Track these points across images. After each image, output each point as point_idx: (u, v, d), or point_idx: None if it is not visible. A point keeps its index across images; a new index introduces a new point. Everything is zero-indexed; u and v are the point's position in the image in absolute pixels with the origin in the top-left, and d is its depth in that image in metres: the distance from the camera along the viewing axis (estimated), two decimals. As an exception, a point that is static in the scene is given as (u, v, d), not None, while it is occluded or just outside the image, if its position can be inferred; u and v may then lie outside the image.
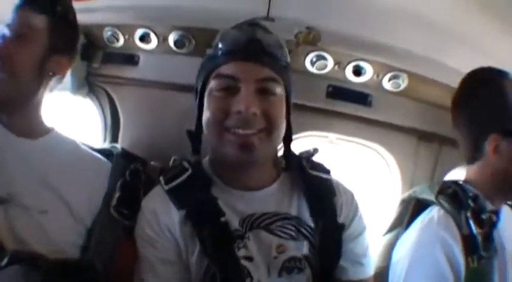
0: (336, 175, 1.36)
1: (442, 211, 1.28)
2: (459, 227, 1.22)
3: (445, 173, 1.90)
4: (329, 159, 1.44)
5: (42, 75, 1.26)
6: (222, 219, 1.15)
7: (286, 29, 1.58)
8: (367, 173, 2.00)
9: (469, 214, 1.23)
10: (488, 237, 1.22)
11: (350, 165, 1.96)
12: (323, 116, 1.82)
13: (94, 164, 1.35)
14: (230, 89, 1.11)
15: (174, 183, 1.20)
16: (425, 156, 1.91)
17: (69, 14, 1.31)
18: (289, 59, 1.22)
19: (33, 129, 1.27)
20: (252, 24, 1.20)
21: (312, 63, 1.72)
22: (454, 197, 1.28)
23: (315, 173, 1.30)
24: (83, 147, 1.39)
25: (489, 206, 1.27)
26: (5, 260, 1.05)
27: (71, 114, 1.86)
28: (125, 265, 1.23)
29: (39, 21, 1.23)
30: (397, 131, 1.85)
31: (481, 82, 1.39)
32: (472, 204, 1.24)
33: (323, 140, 1.89)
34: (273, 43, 1.15)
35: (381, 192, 1.98)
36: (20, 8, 1.23)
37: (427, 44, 1.75)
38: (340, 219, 1.27)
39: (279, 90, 1.15)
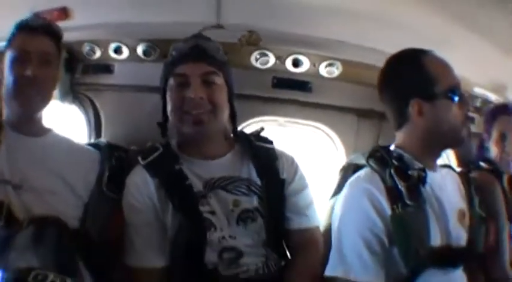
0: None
1: (368, 169, 1.43)
2: (384, 181, 1.35)
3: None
4: (280, 139, 1.77)
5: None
6: (187, 182, 1.49)
7: (232, 33, 1.95)
8: (314, 150, 2.34)
9: (392, 171, 1.36)
10: (415, 190, 1.34)
11: (299, 143, 2.31)
12: (271, 103, 2.19)
13: (86, 154, 1.65)
14: (183, 84, 1.48)
15: (149, 159, 1.53)
16: (366, 131, 2.21)
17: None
18: (226, 58, 1.58)
19: (38, 129, 1.56)
20: (195, 36, 1.57)
21: (256, 60, 2.09)
22: (381, 158, 1.42)
23: (260, 144, 1.65)
24: (76, 142, 1.72)
25: (417, 165, 1.40)
26: (26, 222, 1.35)
27: (60, 119, 2.12)
28: (117, 232, 1.52)
29: (54, 46, 1.52)
30: (337, 111, 2.19)
31: (402, 58, 1.50)
32: (396, 162, 1.38)
33: (273, 123, 2.25)
34: (211, 47, 1.53)
35: (327, 166, 2.30)
36: (30, 34, 1.48)
37: (355, 33, 2.06)
38: (283, 177, 1.60)
39: (219, 81, 1.52)
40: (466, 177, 1.65)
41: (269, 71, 2.14)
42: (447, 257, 1.37)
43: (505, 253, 1.88)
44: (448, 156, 2.85)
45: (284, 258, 1.61)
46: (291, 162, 1.67)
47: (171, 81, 1.51)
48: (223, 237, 1.48)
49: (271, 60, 2.10)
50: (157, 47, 2.05)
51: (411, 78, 1.45)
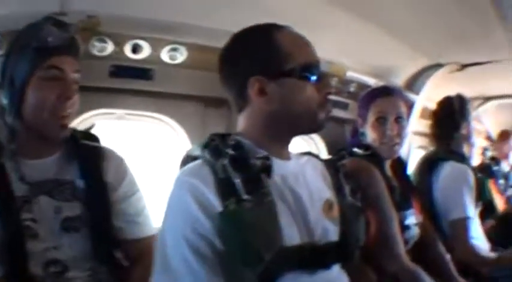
0: (124, 148, 1.52)
1: (199, 161, 1.22)
2: (216, 173, 1.14)
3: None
4: (119, 134, 1.55)
5: None
6: (8, 184, 1.33)
7: (74, 20, 1.64)
8: (159, 144, 2.13)
9: (226, 161, 1.16)
10: (256, 182, 1.15)
11: (142, 137, 2.09)
12: (108, 94, 1.93)
13: None
14: (56, 78, 1.34)
15: None
16: (214, 121, 2.05)
17: None
18: None
19: None
20: (64, 24, 1.40)
21: (94, 47, 1.81)
22: (216, 147, 1.22)
23: (85, 142, 1.49)
24: None
25: (260, 153, 1.21)
26: None
27: None
28: None
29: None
30: (182, 100, 1.99)
31: (249, 32, 1.32)
32: (231, 151, 1.19)
33: (111, 116, 1.99)
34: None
35: (172, 161, 2.09)
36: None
37: (202, 14, 1.87)
38: (109, 180, 1.46)
39: None
40: (333, 164, 1.51)
41: (107, 58, 1.87)
42: (311, 257, 1.20)
43: (397, 242, 1.78)
44: (317, 143, 2.84)
45: (120, 272, 1.47)
46: (119, 163, 1.52)
47: (41, 72, 1.33)
48: (47, 249, 1.35)
49: (110, 46, 1.83)
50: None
51: (255, 54, 1.27)
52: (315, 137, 2.69)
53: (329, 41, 2.29)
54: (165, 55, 1.90)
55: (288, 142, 1.34)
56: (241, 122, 1.31)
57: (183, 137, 2.04)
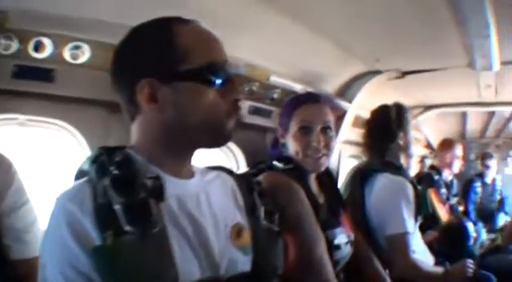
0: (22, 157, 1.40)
1: (82, 181, 1.04)
2: (96, 196, 0.98)
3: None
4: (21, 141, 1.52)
5: None
6: None
7: None
8: (60, 152, 1.96)
9: (108, 182, 0.99)
10: (143, 208, 0.99)
11: (43, 146, 1.92)
12: (11, 98, 1.75)
13: None
14: None
15: None
16: (118, 129, 1.79)
17: None
18: None
19: None
20: None
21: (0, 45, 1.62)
22: (102, 164, 1.05)
23: None
24: None
25: (151, 171, 1.07)
26: None
27: None
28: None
29: None
30: (84, 105, 1.80)
31: (144, 27, 1.15)
32: (115, 171, 1.02)
33: (12, 122, 1.81)
34: None
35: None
36: None
37: (109, 8, 1.71)
38: None
39: None
40: (247, 181, 1.35)
41: (10, 57, 1.65)
42: None
43: (324, 266, 1.60)
44: (236, 155, 2.67)
45: None
46: (7, 169, 1.40)
47: None
48: None
49: (15, 44, 1.62)
50: None
51: (148, 51, 1.10)
52: (234, 147, 2.52)
53: (252, 41, 2.20)
54: (67, 54, 1.70)
55: (188, 157, 1.19)
56: (133, 133, 1.15)
57: (84, 145, 1.85)
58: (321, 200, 1.89)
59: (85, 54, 1.70)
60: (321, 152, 1.83)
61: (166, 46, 1.08)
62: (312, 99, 1.91)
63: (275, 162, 1.85)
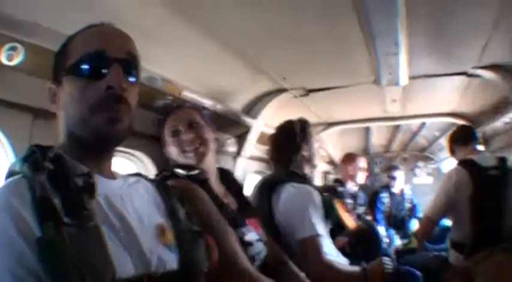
0: None
1: (18, 176, 1.06)
2: (34, 190, 0.99)
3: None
4: None
5: None
6: None
7: None
8: None
9: (44, 177, 1.01)
10: (79, 202, 1.02)
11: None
12: None
13: None
14: None
15: None
16: (44, 135, 1.71)
17: None
18: None
19: None
20: None
21: None
22: (36, 161, 1.06)
23: None
24: None
25: (82, 169, 1.11)
26: None
27: None
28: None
29: None
30: (11, 108, 1.75)
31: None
32: (50, 166, 1.05)
33: None
34: None
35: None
36: None
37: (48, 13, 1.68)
38: None
39: None
40: (166, 186, 1.44)
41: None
42: None
43: (240, 258, 1.72)
44: (146, 164, 2.64)
45: None
46: None
47: None
48: None
49: None
50: None
51: (55, 60, 1.21)
52: (144, 158, 2.55)
53: (168, 56, 2.28)
54: (2, 55, 1.62)
55: (105, 157, 1.23)
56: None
57: (8, 151, 1.78)
58: (226, 200, 2.00)
59: (19, 57, 1.64)
60: (196, 142, 2.02)
61: (61, 51, 1.19)
62: (174, 108, 2.13)
63: (178, 170, 1.95)
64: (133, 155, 2.53)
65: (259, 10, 2.08)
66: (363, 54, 2.70)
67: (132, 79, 1.17)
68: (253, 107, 3.58)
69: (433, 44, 2.66)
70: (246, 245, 1.86)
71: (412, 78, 3.24)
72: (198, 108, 2.27)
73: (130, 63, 1.17)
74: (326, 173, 6.49)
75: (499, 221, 3.09)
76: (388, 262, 2.43)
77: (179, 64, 2.42)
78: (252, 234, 1.95)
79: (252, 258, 1.86)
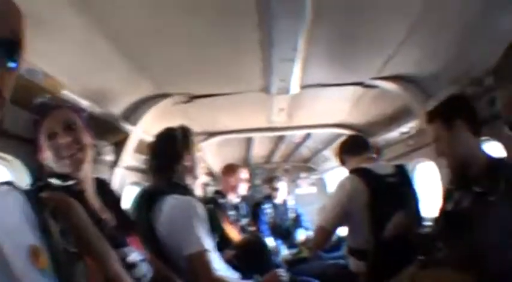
0: None
1: None
2: None
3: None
4: None
5: None
6: None
7: None
8: None
9: None
10: None
11: None
12: None
13: None
14: None
15: None
16: None
17: None
18: None
19: None
20: None
21: None
22: None
23: None
24: None
25: None
26: None
27: None
28: None
29: None
30: None
31: None
32: None
33: None
34: None
35: None
36: None
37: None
38: None
39: None
40: (37, 199, 1.26)
41: None
42: None
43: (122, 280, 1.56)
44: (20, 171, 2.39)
45: None
46: None
47: None
48: None
49: None
50: None
51: None
52: (14, 161, 2.28)
53: (54, 49, 2.04)
54: None
55: None
56: None
57: None
58: (104, 215, 1.85)
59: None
60: (73, 148, 1.81)
61: None
62: (47, 109, 1.86)
63: (51, 180, 1.76)
64: (4, 158, 2.26)
65: (152, 5, 1.92)
66: (256, 59, 2.62)
67: (12, 64, 0.89)
68: (133, 112, 3.36)
69: (334, 52, 2.63)
70: (129, 266, 1.73)
71: (304, 87, 3.21)
72: (78, 109, 2.05)
73: (14, 45, 0.89)
74: (205, 185, 6.38)
75: None
76: (283, 273, 2.45)
77: (66, 61, 2.20)
78: (135, 254, 1.82)
79: (138, 280, 1.76)
